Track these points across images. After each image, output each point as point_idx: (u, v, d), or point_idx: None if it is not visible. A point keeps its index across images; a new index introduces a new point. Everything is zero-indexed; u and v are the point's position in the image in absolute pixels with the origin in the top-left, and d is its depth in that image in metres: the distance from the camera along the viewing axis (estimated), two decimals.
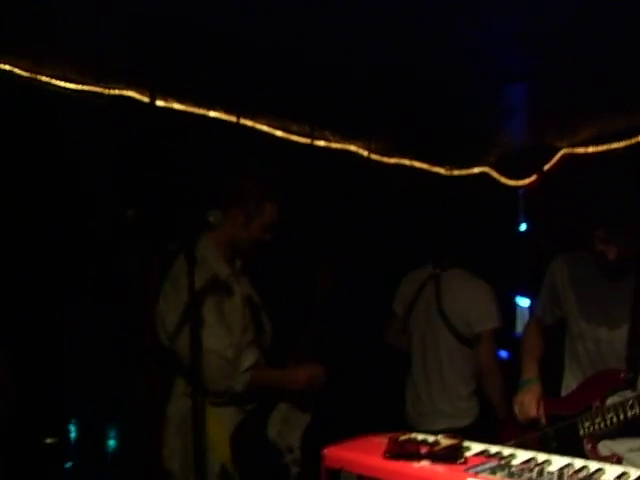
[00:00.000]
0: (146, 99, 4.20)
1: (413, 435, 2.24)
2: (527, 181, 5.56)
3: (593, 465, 2.04)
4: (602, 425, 3.05)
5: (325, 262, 3.97)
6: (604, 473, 2.00)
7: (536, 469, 1.91)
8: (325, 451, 2.23)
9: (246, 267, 3.53)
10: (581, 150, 5.17)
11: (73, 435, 3.98)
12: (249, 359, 3.22)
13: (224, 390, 3.16)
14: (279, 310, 3.72)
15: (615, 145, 4.89)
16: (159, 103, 4.29)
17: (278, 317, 3.69)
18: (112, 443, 4.15)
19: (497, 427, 3.58)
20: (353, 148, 5.30)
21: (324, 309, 3.83)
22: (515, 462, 2.09)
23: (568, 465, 2.06)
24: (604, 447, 3.10)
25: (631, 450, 3.08)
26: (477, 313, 4.28)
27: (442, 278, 4.48)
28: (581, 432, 3.11)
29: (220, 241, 3.37)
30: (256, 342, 3.38)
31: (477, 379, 4.41)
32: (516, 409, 3.34)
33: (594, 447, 3.07)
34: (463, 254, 4.57)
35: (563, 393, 3.39)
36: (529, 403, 3.28)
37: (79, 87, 4.01)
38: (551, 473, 1.91)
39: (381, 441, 2.19)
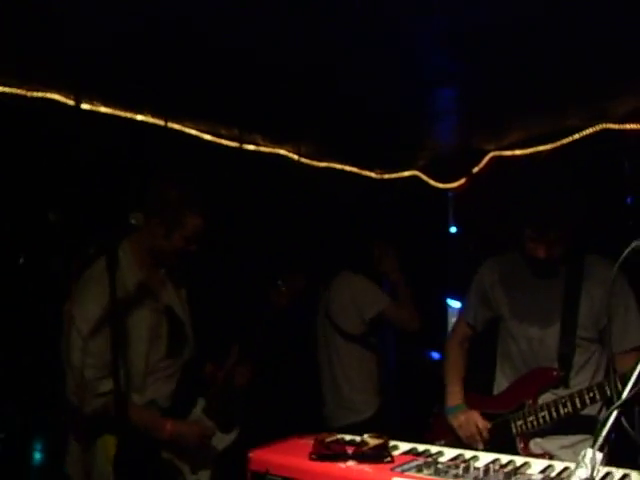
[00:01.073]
0: (71, 102, 4.10)
1: (339, 436, 2.22)
2: (456, 184, 5.60)
3: (519, 460, 2.05)
4: (534, 423, 3.07)
5: (287, 278, 3.92)
6: (530, 467, 2.01)
7: (462, 465, 1.91)
8: (250, 454, 2.20)
9: (175, 275, 3.48)
10: (508, 153, 5.24)
11: None
12: (105, 385, 2.96)
13: (75, 408, 3.05)
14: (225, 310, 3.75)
15: (542, 148, 4.96)
16: (84, 106, 4.18)
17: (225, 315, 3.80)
18: (37, 456, 4.03)
19: (428, 426, 3.58)
20: (283, 152, 5.26)
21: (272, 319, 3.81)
22: (442, 459, 2.09)
23: (495, 460, 2.06)
24: (536, 445, 3.13)
25: (562, 447, 3.11)
26: (362, 304, 4.52)
27: (333, 282, 4.72)
28: (513, 430, 3.14)
29: (139, 247, 3.30)
30: (170, 353, 3.34)
31: (373, 373, 4.65)
32: (459, 432, 3.31)
33: (526, 445, 3.09)
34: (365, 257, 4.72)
35: (495, 392, 3.40)
36: (466, 421, 3.28)
37: (1, 89, 3.89)
38: (477, 469, 1.91)
39: (307, 442, 2.18)
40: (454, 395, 3.45)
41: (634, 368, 1.61)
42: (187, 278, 3.62)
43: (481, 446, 3.17)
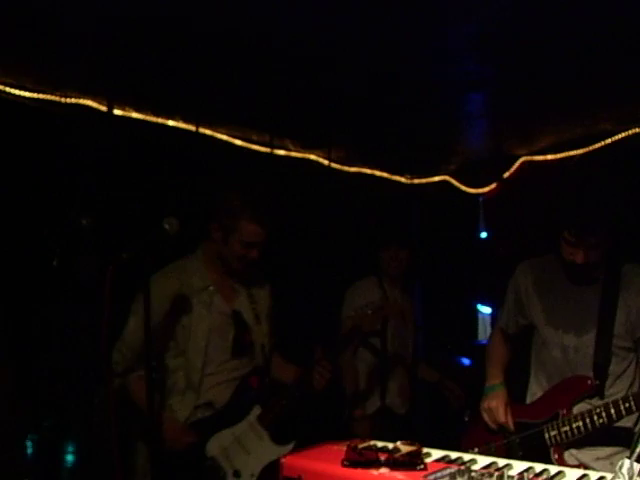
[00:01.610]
0: (104, 108, 4.14)
1: (372, 442, 2.21)
2: (487, 189, 5.57)
3: (553, 469, 2.03)
4: (569, 434, 3.01)
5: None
6: (564, 476, 1.99)
7: (496, 474, 1.89)
8: (283, 460, 2.19)
9: (252, 282, 3.60)
10: (540, 158, 5.21)
11: (29, 451, 3.89)
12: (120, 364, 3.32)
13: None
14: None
15: (573, 152, 4.93)
16: (117, 112, 4.23)
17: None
18: (70, 458, 4.06)
19: (463, 433, 3.55)
20: (313, 157, 5.27)
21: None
22: (475, 467, 2.07)
23: (528, 469, 2.04)
24: (570, 456, 3.07)
25: (598, 459, 3.05)
26: None
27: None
28: (547, 441, 3.08)
29: (210, 253, 3.47)
30: (234, 356, 3.44)
31: None
32: (484, 415, 3.31)
33: (560, 456, 3.03)
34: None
35: (528, 400, 3.36)
36: (497, 408, 3.25)
37: (35, 95, 3.94)
38: (511, 477, 1.89)
39: (340, 449, 2.16)
40: (492, 376, 3.43)
41: None
42: (270, 282, 3.75)
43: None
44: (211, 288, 3.44)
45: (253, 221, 3.32)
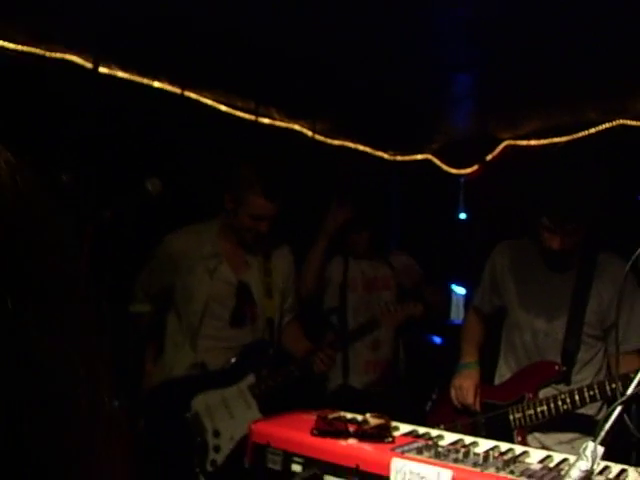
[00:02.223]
0: (89, 65, 4.09)
1: (342, 413, 2.24)
2: (469, 170, 5.59)
3: (519, 448, 2.07)
4: (533, 417, 3.06)
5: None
6: (529, 456, 2.02)
7: (463, 450, 1.92)
8: (252, 426, 2.22)
9: (271, 254, 3.67)
10: (524, 142, 5.23)
11: None
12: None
13: None
14: None
15: (557, 139, 4.95)
16: (102, 70, 4.18)
17: None
18: None
19: (430, 408, 3.59)
20: (297, 127, 5.26)
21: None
22: (443, 443, 2.10)
23: (494, 447, 2.08)
24: (534, 439, 3.12)
25: (560, 443, 3.10)
26: None
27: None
28: (512, 423, 3.12)
29: (225, 222, 3.56)
30: (232, 324, 3.51)
31: None
32: (453, 393, 3.35)
33: (524, 438, 3.08)
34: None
35: (496, 382, 3.40)
36: (467, 389, 3.29)
37: (19, 47, 3.88)
38: (477, 454, 1.93)
39: (309, 418, 2.19)
40: (466, 353, 3.48)
41: None
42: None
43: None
44: (219, 256, 3.51)
45: (262, 195, 3.37)
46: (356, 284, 4.54)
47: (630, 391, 1.58)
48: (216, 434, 3.38)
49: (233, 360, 3.49)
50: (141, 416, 3.32)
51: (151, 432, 3.33)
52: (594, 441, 1.54)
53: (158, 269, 3.58)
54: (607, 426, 1.56)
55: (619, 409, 1.57)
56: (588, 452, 1.52)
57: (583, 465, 1.51)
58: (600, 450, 1.53)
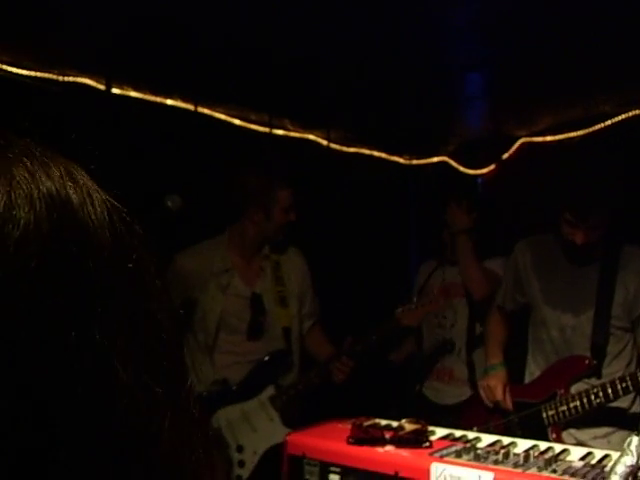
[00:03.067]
0: (102, 86, 4.11)
1: (377, 420, 2.22)
2: (486, 170, 5.56)
3: (558, 447, 2.04)
4: (566, 413, 3.04)
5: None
6: (569, 454, 2.00)
7: (502, 451, 1.90)
8: (287, 438, 2.20)
9: (284, 263, 3.69)
10: (539, 139, 5.19)
11: None
12: None
13: None
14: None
15: (573, 134, 4.91)
16: (115, 91, 4.19)
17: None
18: None
19: (461, 410, 3.58)
20: (312, 137, 5.25)
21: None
22: (480, 445, 2.08)
23: (534, 447, 2.05)
24: (568, 435, 3.10)
25: (595, 438, 3.08)
26: None
27: None
28: (545, 420, 3.10)
29: (242, 237, 3.61)
30: (249, 338, 3.51)
31: None
32: (482, 393, 3.33)
33: (558, 435, 3.06)
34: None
35: (526, 380, 3.38)
36: (495, 387, 3.28)
37: (32, 73, 3.90)
38: (517, 454, 1.90)
39: (344, 426, 2.17)
40: (491, 355, 3.48)
41: None
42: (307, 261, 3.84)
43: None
44: (230, 270, 3.54)
45: (285, 185, 3.53)
46: (432, 290, 4.49)
47: None
48: (239, 449, 3.37)
49: (250, 373, 3.49)
50: None
51: None
52: (638, 435, 1.51)
53: (174, 290, 3.55)
54: None
55: None
56: (633, 447, 1.50)
57: (628, 460, 1.48)
58: None
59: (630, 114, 4.63)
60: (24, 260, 0.52)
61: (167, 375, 0.59)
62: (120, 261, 0.59)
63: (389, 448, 2.00)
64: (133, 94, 4.27)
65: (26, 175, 0.60)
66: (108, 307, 0.55)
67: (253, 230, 3.54)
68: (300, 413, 3.59)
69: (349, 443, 2.07)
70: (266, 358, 3.51)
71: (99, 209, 0.62)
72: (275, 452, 3.20)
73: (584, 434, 3.11)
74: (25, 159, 0.62)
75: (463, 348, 4.29)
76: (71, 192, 0.62)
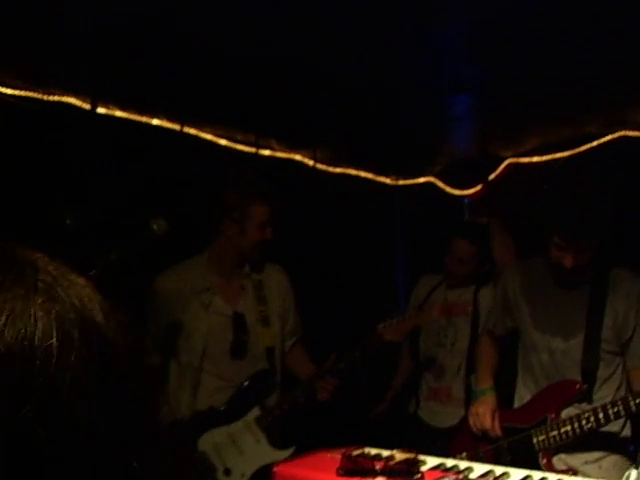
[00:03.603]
0: (87, 106, 4.07)
1: (367, 450, 2.18)
2: (472, 190, 5.56)
3: (552, 477, 2.00)
4: (557, 438, 3.00)
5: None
6: None
7: None
8: (275, 469, 2.16)
9: (266, 282, 3.63)
10: (526, 160, 5.20)
11: None
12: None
13: None
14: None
15: (559, 155, 4.92)
16: (100, 110, 4.16)
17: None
18: None
19: (450, 437, 3.53)
20: (298, 157, 5.23)
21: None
22: (472, 476, 2.04)
23: (527, 477, 2.02)
24: (559, 460, 3.05)
25: (587, 463, 3.04)
26: None
27: None
28: (536, 445, 3.06)
29: (219, 255, 3.55)
30: (233, 357, 3.46)
31: None
32: (470, 420, 3.29)
33: (549, 461, 3.01)
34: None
35: (516, 405, 3.34)
36: (483, 414, 3.23)
37: (17, 92, 3.86)
38: None
39: (334, 457, 2.13)
40: (481, 380, 3.44)
41: None
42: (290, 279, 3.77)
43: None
44: (211, 289, 3.49)
45: (262, 202, 3.43)
46: (433, 307, 4.44)
47: None
48: (227, 472, 3.33)
49: (234, 395, 3.44)
50: None
51: None
52: (636, 468, 1.48)
53: (154, 312, 3.54)
54: None
55: None
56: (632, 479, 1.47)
57: None
58: None
59: (616, 135, 4.65)
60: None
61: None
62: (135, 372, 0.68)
63: (380, 479, 1.96)
64: (119, 114, 4.23)
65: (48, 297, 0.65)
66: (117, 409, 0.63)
67: (229, 245, 3.49)
68: (292, 433, 3.55)
69: (339, 475, 2.02)
70: (250, 379, 3.46)
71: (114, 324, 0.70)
72: (263, 474, 3.16)
73: (575, 459, 3.07)
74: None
75: (463, 367, 4.26)
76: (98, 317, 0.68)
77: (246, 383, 3.45)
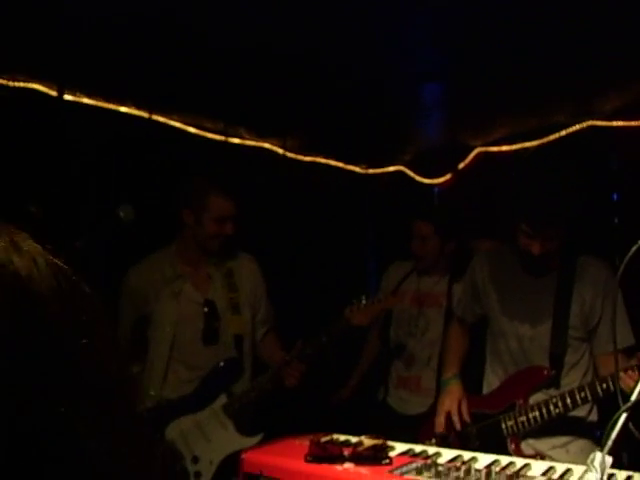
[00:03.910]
0: (54, 92, 4.02)
1: (335, 436, 2.17)
2: (442, 179, 5.57)
3: (520, 461, 2.02)
4: (525, 424, 3.03)
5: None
6: (531, 469, 1.98)
7: (463, 467, 1.86)
8: (243, 456, 2.14)
9: (236, 269, 3.63)
10: (495, 149, 5.22)
11: None
12: None
13: None
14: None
15: (528, 144, 4.94)
16: (67, 97, 4.10)
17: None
18: None
19: (420, 425, 3.55)
20: (268, 146, 5.21)
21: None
22: (441, 461, 2.05)
23: (495, 462, 2.03)
24: (527, 445, 3.09)
25: (554, 447, 3.08)
26: None
27: None
28: (504, 431, 3.09)
29: (185, 243, 3.57)
30: (205, 346, 3.48)
31: None
32: (438, 409, 3.31)
33: (517, 446, 3.05)
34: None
35: (485, 391, 3.37)
36: (450, 403, 3.26)
37: None
38: (479, 471, 1.87)
39: (302, 443, 2.12)
40: (446, 369, 3.46)
41: None
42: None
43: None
44: (182, 277, 3.50)
45: (221, 195, 3.40)
46: (404, 296, 4.44)
47: (634, 397, 1.54)
48: (195, 460, 3.33)
49: (201, 382, 3.45)
50: None
51: None
52: (601, 451, 1.49)
53: (127, 305, 3.56)
54: (613, 435, 1.51)
55: (624, 417, 1.52)
56: (597, 463, 1.48)
57: (592, 477, 1.46)
58: (609, 460, 1.48)
59: (584, 124, 4.68)
60: None
61: (119, 422, 0.63)
62: (70, 327, 0.62)
63: (348, 465, 1.96)
64: (86, 101, 4.18)
65: None
66: (62, 374, 0.59)
67: (188, 233, 3.50)
68: (260, 420, 3.55)
69: (307, 461, 2.01)
70: (216, 367, 3.46)
71: (46, 276, 0.65)
72: (232, 461, 3.15)
73: (543, 444, 3.11)
74: None
75: (435, 357, 4.26)
76: (17, 262, 0.64)
77: (211, 371, 3.45)
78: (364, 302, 3.45)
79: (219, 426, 3.37)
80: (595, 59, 3.67)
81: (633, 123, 4.45)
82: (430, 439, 3.24)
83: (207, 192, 3.40)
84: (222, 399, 3.41)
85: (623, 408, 1.53)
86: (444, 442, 3.15)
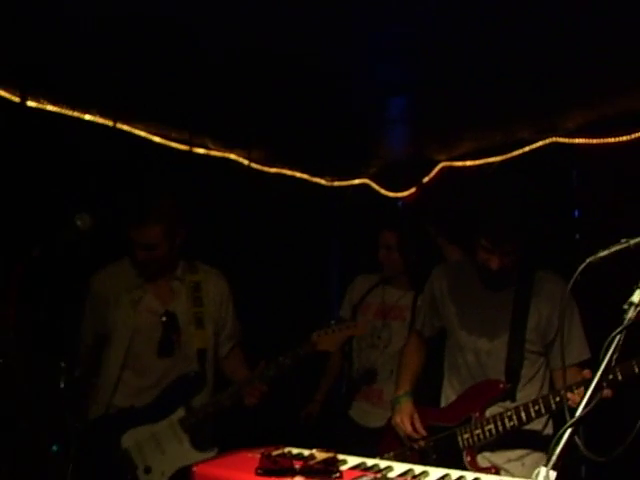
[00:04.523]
0: (16, 99, 3.98)
1: (287, 449, 2.17)
2: (406, 193, 5.59)
3: (470, 475, 2.02)
4: (481, 436, 3.05)
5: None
6: None
7: None
8: (194, 469, 2.13)
9: (204, 284, 3.61)
10: (459, 163, 5.25)
11: None
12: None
13: None
14: None
15: (492, 159, 4.98)
16: (30, 104, 4.07)
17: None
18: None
19: (378, 439, 3.54)
20: (233, 156, 5.20)
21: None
22: (392, 475, 2.04)
23: (445, 476, 2.03)
24: (483, 459, 3.11)
25: (509, 461, 3.11)
26: None
27: None
28: (460, 444, 3.10)
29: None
30: (160, 357, 3.46)
31: None
32: (395, 427, 3.32)
33: (473, 459, 3.06)
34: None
35: (443, 404, 3.38)
36: (402, 422, 3.27)
37: None
38: None
39: (254, 456, 2.11)
40: (399, 386, 3.46)
41: (588, 386, 1.58)
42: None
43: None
44: (143, 286, 3.50)
45: (142, 224, 3.34)
46: (369, 308, 4.46)
47: (579, 413, 1.55)
48: (147, 470, 3.33)
49: (161, 394, 3.44)
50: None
51: (81, 471, 3.18)
52: (545, 466, 1.50)
53: (90, 311, 3.57)
54: (558, 450, 1.52)
55: (569, 432, 1.53)
56: (541, 478, 1.49)
57: None
58: (552, 475, 1.49)
59: (547, 141, 4.73)
60: None
61: None
62: None
63: (298, 479, 1.95)
64: (50, 108, 4.15)
65: None
66: None
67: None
68: (215, 436, 3.53)
69: (257, 474, 2.00)
70: (177, 380, 3.45)
71: None
72: (183, 474, 3.12)
73: (498, 457, 3.13)
74: None
75: (396, 370, 4.27)
76: None
77: (173, 383, 3.43)
78: (331, 327, 3.44)
79: (174, 439, 3.36)
80: (560, 77, 3.72)
81: (594, 141, 4.51)
82: (389, 452, 3.25)
83: (131, 222, 3.36)
84: (180, 412, 3.40)
85: (568, 424, 1.54)
86: (402, 456, 3.16)
